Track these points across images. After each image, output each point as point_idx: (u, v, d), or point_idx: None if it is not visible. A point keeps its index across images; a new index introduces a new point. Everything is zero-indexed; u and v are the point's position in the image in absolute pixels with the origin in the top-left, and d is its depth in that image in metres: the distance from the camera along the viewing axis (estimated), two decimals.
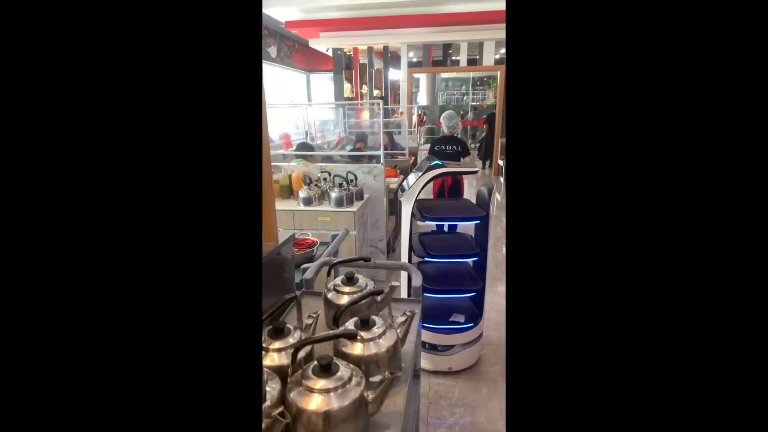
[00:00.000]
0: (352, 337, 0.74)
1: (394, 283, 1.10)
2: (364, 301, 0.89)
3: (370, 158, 3.41)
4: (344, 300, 1.06)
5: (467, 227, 2.12)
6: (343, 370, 0.72)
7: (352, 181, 2.66)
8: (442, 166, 1.94)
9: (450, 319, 2.01)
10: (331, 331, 0.75)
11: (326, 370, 0.71)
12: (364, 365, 0.81)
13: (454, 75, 11.83)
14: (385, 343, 0.85)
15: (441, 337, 1.96)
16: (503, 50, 7.15)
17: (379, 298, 1.02)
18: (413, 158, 5.28)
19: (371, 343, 0.84)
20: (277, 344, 0.83)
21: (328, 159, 3.48)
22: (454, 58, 7.91)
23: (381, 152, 2.80)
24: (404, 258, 1.94)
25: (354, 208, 2.52)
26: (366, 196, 2.78)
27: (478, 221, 1.98)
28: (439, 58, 7.59)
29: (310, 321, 0.95)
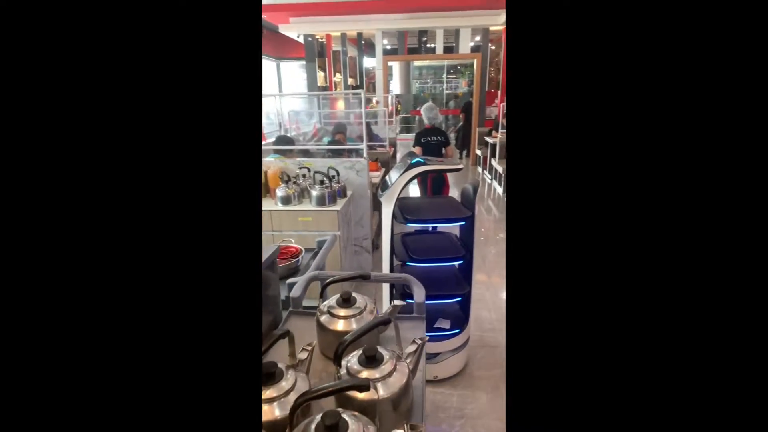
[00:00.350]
0: (363, 389, 0.60)
1: (398, 302, 0.97)
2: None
3: (349, 151, 3.24)
4: (341, 325, 0.92)
5: (453, 226, 2.00)
6: (353, 427, 0.59)
7: (333, 177, 2.49)
8: (424, 163, 1.82)
9: (435, 326, 1.90)
10: (337, 383, 0.61)
11: (333, 430, 0.58)
12: (374, 411, 0.68)
13: (427, 63, 11.68)
14: (396, 383, 0.72)
15: (426, 345, 1.84)
16: (478, 37, 7.04)
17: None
18: (393, 149, 5.13)
19: (381, 384, 0.71)
20: (269, 392, 0.69)
21: (306, 153, 3.28)
22: (429, 45, 7.74)
23: (364, 145, 2.64)
24: (386, 261, 1.82)
25: (337, 207, 2.36)
26: (349, 192, 2.62)
27: (463, 222, 1.87)
28: (414, 45, 7.41)
29: (304, 355, 0.81)
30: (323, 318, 0.95)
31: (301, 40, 6.90)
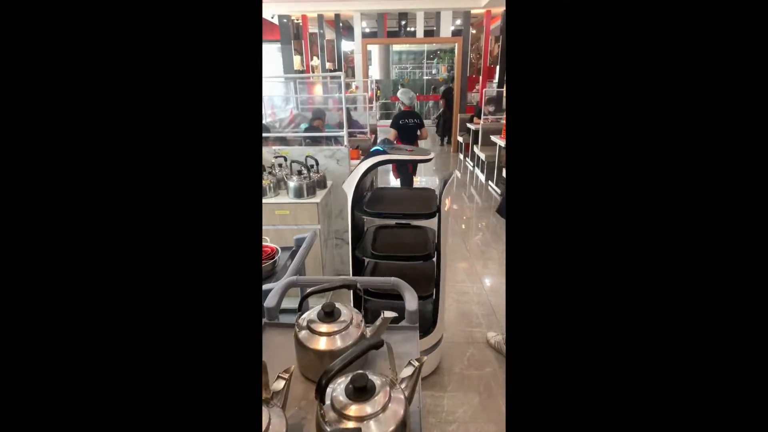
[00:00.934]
0: None
1: (388, 314, 0.85)
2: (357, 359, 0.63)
3: (328, 139, 3.07)
4: (323, 343, 0.80)
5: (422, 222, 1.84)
6: None
7: (312, 166, 2.33)
8: (383, 152, 1.69)
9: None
10: None
11: None
12: None
13: (407, 48, 11.44)
14: (391, 418, 0.61)
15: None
16: (459, 21, 6.88)
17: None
18: (374, 136, 4.97)
19: (374, 422, 0.59)
20: None
21: (282, 141, 3.09)
22: (410, 29, 7.52)
23: (345, 132, 2.48)
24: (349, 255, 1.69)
25: (317, 199, 2.21)
26: (329, 183, 2.47)
27: (426, 218, 1.68)
28: (394, 29, 7.18)
29: (280, 385, 0.68)
30: (303, 334, 0.82)
31: (275, 21, 6.56)
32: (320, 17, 6.70)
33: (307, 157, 2.36)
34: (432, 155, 1.79)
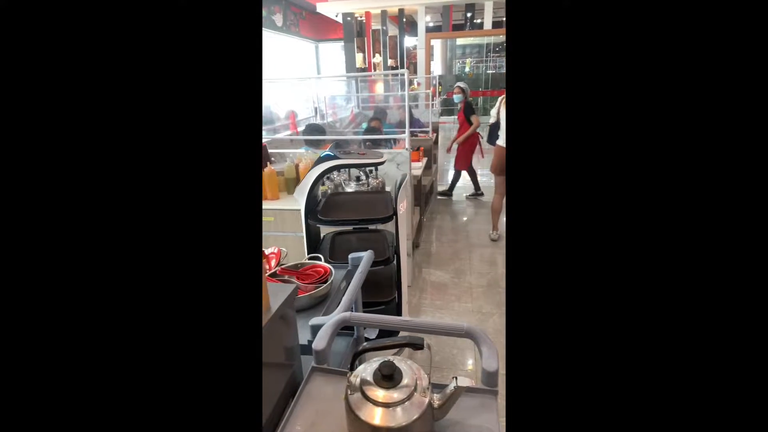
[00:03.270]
0: None
1: (463, 381, 0.67)
2: None
3: (387, 140, 2.92)
4: (379, 417, 0.63)
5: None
6: None
7: (371, 172, 2.19)
8: (334, 157, 1.62)
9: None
10: None
11: None
12: None
13: (471, 41, 10.96)
14: None
15: None
16: None
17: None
18: (435, 135, 4.75)
19: None
20: None
21: (340, 142, 3.00)
22: (476, 21, 7.12)
23: (406, 135, 2.30)
24: None
25: None
26: (388, 188, 2.32)
27: (381, 222, 1.61)
28: (460, 21, 6.84)
29: None
30: (355, 399, 0.66)
31: (339, 19, 6.56)
32: (383, 13, 6.58)
33: None
34: (384, 158, 1.73)
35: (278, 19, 5.83)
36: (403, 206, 1.67)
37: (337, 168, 1.66)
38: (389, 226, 1.73)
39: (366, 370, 0.70)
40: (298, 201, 1.62)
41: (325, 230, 1.81)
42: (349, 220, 1.65)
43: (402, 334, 0.85)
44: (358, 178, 2.10)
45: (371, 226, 1.75)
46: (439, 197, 4.52)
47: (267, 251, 1.33)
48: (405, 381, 0.67)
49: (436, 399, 0.68)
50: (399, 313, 1.73)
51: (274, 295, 0.76)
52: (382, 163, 1.69)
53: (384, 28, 6.77)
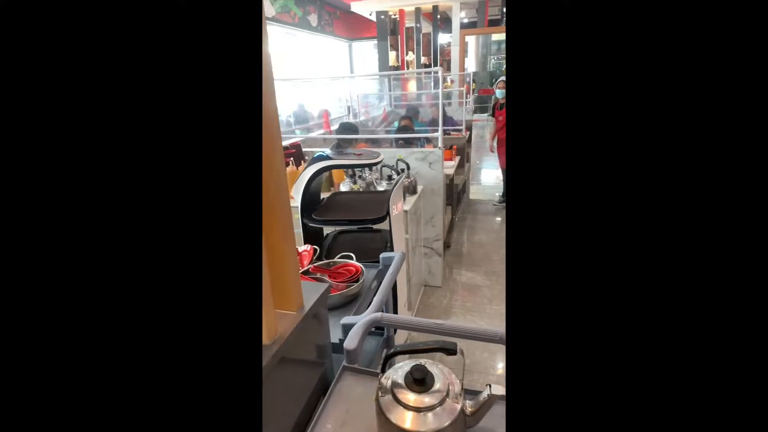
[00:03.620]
0: None
1: (497, 389, 0.65)
2: None
3: (419, 138, 2.90)
4: (409, 421, 0.63)
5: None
6: None
7: (403, 170, 2.18)
8: (327, 157, 1.62)
9: None
10: None
11: None
12: None
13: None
14: None
15: None
16: None
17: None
18: (469, 133, 4.67)
19: None
20: None
21: (372, 141, 3.01)
22: None
23: (439, 133, 2.28)
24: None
25: (406, 206, 2.06)
26: (420, 188, 2.30)
27: (373, 222, 1.60)
28: (496, 16, 6.68)
29: None
30: (385, 401, 0.66)
31: (373, 18, 6.57)
32: (417, 10, 6.53)
33: (398, 160, 2.22)
34: (380, 158, 1.72)
35: (313, 19, 5.92)
36: (398, 207, 1.69)
37: (329, 168, 1.66)
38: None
39: (397, 372, 0.69)
40: (296, 199, 1.64)
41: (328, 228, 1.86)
42: (337, 220, 1.67)
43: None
44: (389, 177, 2.09)
45: (374, 226, 1.77)
46: (496, 205, 4.40)
47: (300, 249, 1.36)
48: (437, 386, 0.66)
49: (469, 406, 0.67)
50: (395, 311, 1.69)
51: (308, 294, 0.77)
52: (376, 164, 1.70)
53: (418, 25, 6.72)
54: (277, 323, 0.67)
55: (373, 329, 1.04)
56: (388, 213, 1.62)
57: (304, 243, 1.68)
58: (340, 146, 1.80)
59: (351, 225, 1.70)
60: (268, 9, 4.45)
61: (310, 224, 1.66)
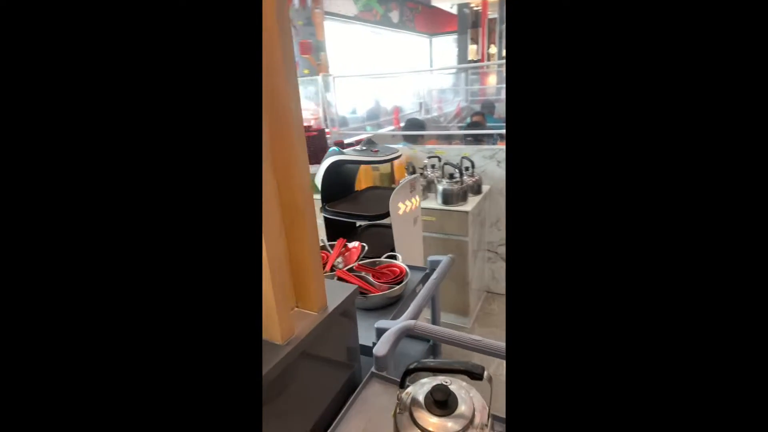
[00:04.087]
0: None
1: None
2: None
3: (491, 135, 2.73)
4: None
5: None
6: None
7: (467, 168, 2.07)
8: (339, 152, 1.71)
9: None
10: None
11: None
12: None
13: None
14: None
15: None
16: None
17: None
18: None
19: None
20: None
21: (443, 137, 2.91)
22: None
23: None
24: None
25: (468, 207, 1.95)
26: (485, 188, 2.17)
27: (373, 219, 1.64)
28: None
29: None
30: (403, 419, 0.61)
31: (454, 11, 6.40)
32: (502, 0, 6.19)
33: (462, 158, 2.11)
34: (396, 155, 1.73)
35: (395, 15, 5.94)
36: (403, 205, 1.66)
37: (338, 164, 1.72)
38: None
39: (419, 388, 0.64)
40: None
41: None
42: (342, 212, 1.74)
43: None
44: (451, 176, 2.00)
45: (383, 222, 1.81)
46: None
47: (350, 245, 1.35)
48: (461, 409, 0.59)
49: None
50: (435, 319, 1.66)
51: (335, 294, 0.75)
52: (383, 162, 1.73)
53: (501, 15, 6.37)
54: (293, 323, 0.65)
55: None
56: (386, 212, 1.63)
57: (329, 235, 1.77)
58: (370, 143, 1.82)
59: (349, 219, 1.74)
60: (351, 8, 4.55)
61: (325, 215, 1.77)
